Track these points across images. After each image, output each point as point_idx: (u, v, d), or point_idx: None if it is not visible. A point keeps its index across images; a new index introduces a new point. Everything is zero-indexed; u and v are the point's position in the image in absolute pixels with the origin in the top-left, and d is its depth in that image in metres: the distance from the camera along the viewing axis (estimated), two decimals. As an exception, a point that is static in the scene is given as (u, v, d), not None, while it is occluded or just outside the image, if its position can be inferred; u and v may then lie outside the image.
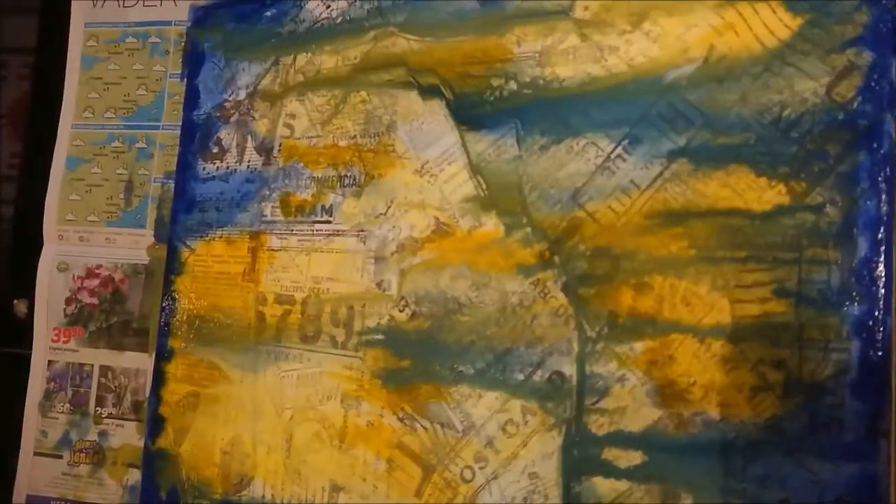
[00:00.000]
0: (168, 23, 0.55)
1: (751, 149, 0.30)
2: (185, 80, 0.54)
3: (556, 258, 0.35)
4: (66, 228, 0.55)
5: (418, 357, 0.39)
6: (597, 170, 0.34)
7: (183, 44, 0.54)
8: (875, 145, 0.28)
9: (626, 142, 0.33)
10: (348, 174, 0.43)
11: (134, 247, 0.54)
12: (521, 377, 0.35)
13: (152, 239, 0.54)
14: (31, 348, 0.54)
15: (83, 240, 0.54)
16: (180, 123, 0.54)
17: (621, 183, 0.33)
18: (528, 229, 0.36)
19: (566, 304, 0.34)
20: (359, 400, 0.41)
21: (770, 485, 0.28)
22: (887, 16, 0.28)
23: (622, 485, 0.32)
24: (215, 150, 0.51)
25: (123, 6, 0.55)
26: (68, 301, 0.54)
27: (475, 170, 0.38)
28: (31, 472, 0.53)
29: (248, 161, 0.49)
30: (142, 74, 0.55)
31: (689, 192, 0.31)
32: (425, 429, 0.39)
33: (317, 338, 0.43)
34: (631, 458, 0.32)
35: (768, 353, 0.29)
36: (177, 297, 0.51)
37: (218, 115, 0.51)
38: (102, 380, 0.53)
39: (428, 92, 0.41)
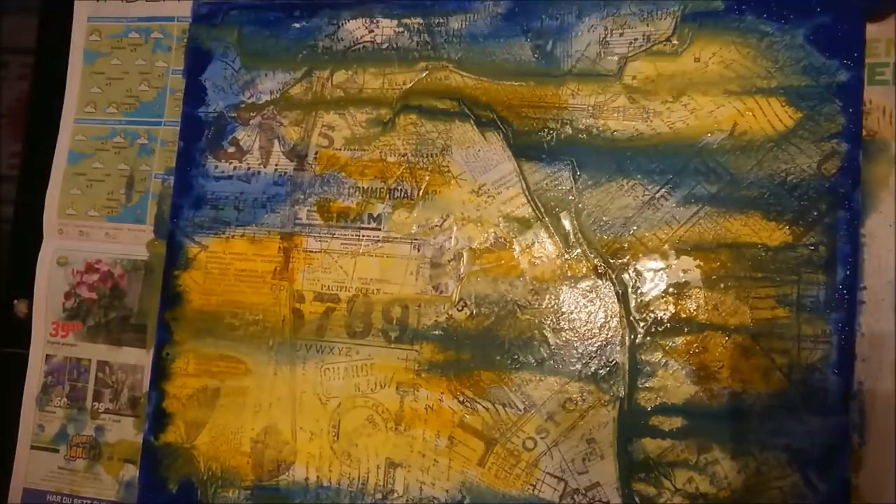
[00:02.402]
0: (171, 18, 0.56)
1: (764, 201, 0.43)
2: (187, 75, 0.54)
3: (609, 272, 0.45)
4: (66, 223, 0.53)
5: (478, 349, 0.47)
6: (644, 205, 0.45)
7: (186, 40, 0.55)
8: (849, 205, 0.42)
9: (668, 186, 0.44)
10: (399, 188, 0.49)
11: (134, 242, 0.54)
12: (578, 366, 0.45)
13: (152, 235, 0.54)
14: (29, 347, 0.52)
15: (83, 234, 0.53)
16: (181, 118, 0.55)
17: (664, 217, 0.44)
18: (584, 247, 0.45)
19: (619, 307, 0.45)
20: (416, 387, 0.48)
21: (778, 435, 0.42)
22: (858, 120, 0.42)
23: (666, 443, 0.43)
24: (231, 149, 0.53)
25: (126, 1, 0.54)
26: (67, 295, 0.52)
27: (533, 195, 0.47)
28: (28, 466, 0.51)
29: (277, 164, 0.52)
30: (144, 70, 0.55)
31: (718, 228, 0.44)
32: (486, 409, 0.46)
33: (367, 333, 0.49)
34: (673, 423, 0.43)
35: (776, 344, 0.42)
36: (183, 292, 0.52)
37: (233, 115, 0.53)
38: (100, 375, 0.52)
39: (484, 124, 0.48)
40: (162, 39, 0.55)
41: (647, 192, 0.46)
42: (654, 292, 0.45)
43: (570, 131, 0.47)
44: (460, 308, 0.48)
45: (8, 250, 0.53)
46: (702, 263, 0.45)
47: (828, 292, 0.43)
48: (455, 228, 0.49)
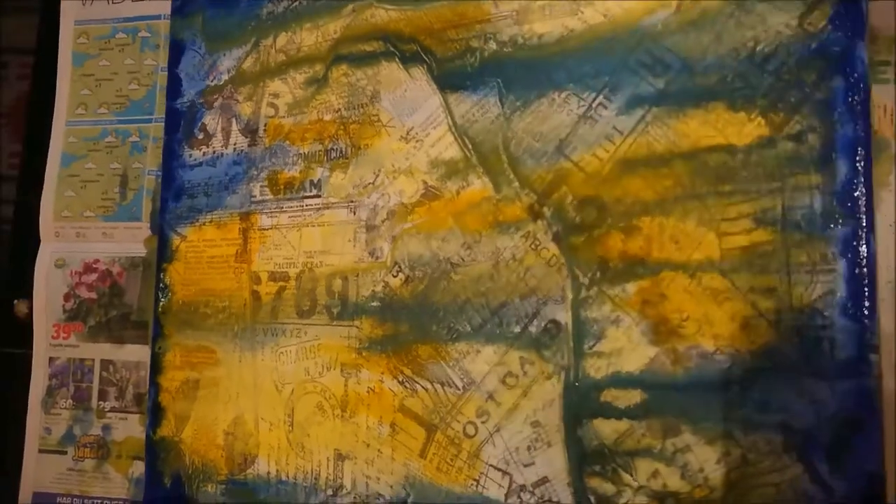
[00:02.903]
0: (157, 17, 0.56)
1: (728, 86, 0.31)
2: (168, 69, 0.54)
3: (545, 210, 0.36)
4: (62, 225, 0.55)
5: (415, 320, 0.40)
6: (579, 120, 0.35)
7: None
8: (848, 70, 0.28)
9: (606, 90, 0.34)
10: (335, 147, 0.44)
11: (130, 240, 0.54)
12: (517, 329, 0.36)
13: (148, 231, 0.54)
14: (32, 348, 0.54)
15: (80, 235, 0.55)
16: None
17: (605, 131, 0.34)
18: (516, 184, 0.37)
19: (557, 253, 0.35)
20: (358, 368, 0.42)
21: (768, 409, 0.29)
22: None
23: (623, 424, 0.33)
24: (201, 136, 0.51)
25: (112, 2, 0.55)
26: (67, 297, 0.54)
27: (460, 132, 0.39)
28: (37, 470, 0.53)
29: (235, 144, 0.49)
30: (133, 69, 0.55)
31: (672, 134, 0.32)
32: (426, 389, 0.39)
33: (313, 311, 0.44)
34: (630, 398, 0.32)
35: (758, 281, 0.30)
36: (170, 284, 0.51)
37: (201, 101, 0.51)
38: (104, 374, 0.53)
39: (409, 59, 0.41)
40: (149, 38, 0.56)
41: (582, 103, 0.36)
42: (598, 229, 0.35)
43: (495, 46, 0.39)
44: (395, 273, 0.41)
45: (7, 251, 0.56)
46: (652, 183, 0.33)
47: (826, 198, 0.29)
48: (386, 183, 0.42)
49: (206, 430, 0.49)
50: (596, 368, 0.34)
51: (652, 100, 0.34)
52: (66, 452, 0.53)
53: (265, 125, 0.48)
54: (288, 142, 0.47)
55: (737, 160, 0.31)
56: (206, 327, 0.49)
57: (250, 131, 0.49)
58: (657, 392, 0.32)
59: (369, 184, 0.43)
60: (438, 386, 0.39)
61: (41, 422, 0.54)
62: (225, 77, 0.51)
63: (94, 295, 0.54)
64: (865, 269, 0.28)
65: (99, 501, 0.53)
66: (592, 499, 0.34)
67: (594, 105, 0.35)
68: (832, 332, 0.29)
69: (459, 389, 0.38)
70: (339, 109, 0.45)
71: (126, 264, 0.54)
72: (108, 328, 0.54)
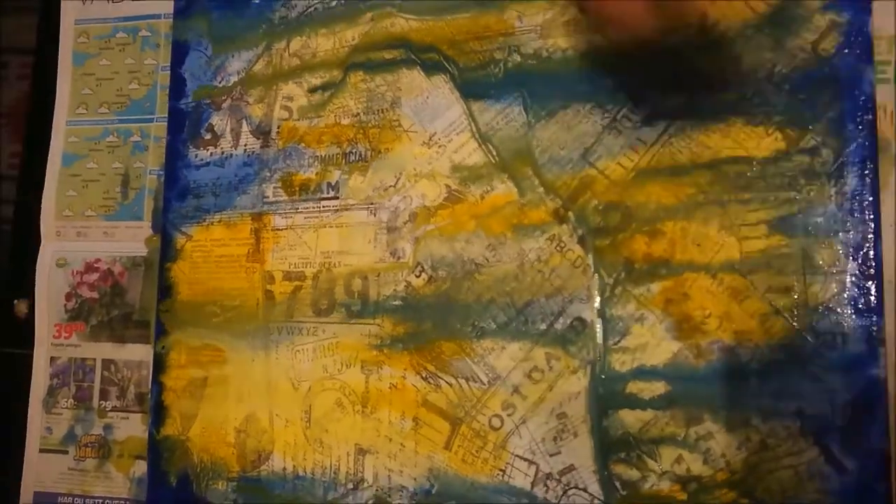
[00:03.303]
0: (157, 16, 0.56)
1: (747, 103, 0.34)
2: (171, 69, 0.54)
3: (570, 214, 0.38)
4: (63, 224, 0.55)
5: (438, 318, 0.42)
6: (604, 130, 0.37)
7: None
8: (857, 93, 0.32)
9: (630, 103, 0.36)
10: (353, 151, 0.45)
11: (132, 239, 0.55)
12: (543, 326, 0.38)
13: (150, 231, 0.54)
14: (32, 348, 0.54)
15: (81, 235, 0.54)
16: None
17: (629, 141, 0.36)
18: (541, 190, 0.39)
19: (583, 255, 0.37)
20: (380, 365, 0.43)
21: (785, 398, 0.32)
22: None
23: (647, 414, 0.35)
24: (208, 136, 0.51)
25: (112, 2, 0.55)
26: (68, 296, 0.54)
27: (484, 138, 0.41)
28: (38, 469, 0.52)
29: (245, 145, 0.50)
30: (133, 69, 0.55)
31: (694, 145, 0.35)
32: (450, 385, 0.41)
33: (331, 310, 0.45)
34: (654, 390, 0.35)
35: (775, 281, 0.33)
36: (174, 283, 0.51)
37: (208, 102, 0.52)
38: (105, 373, 0.53)
39: (431, 68, 0.43)
40: (150, 37, 0.56)
41: (606, 115, 0.38)
42: (622, 232, 0.37)
43: (519, 59, 0.41)
44: (417, 273, 0.43)
45: (8, 251, 0.55)
46: (675, 190, 0.36)
47: (838, 206, 0.33)
48: (408, 186, 0.44)
49: (215, 429, 0.49)
50: (621, 363, 0.37)
51: (674, 113, 0.36)
52: (67, 452, 0.53)
53: (278, 127, 0.49)
54: (303, 144, 0.48)
55: (755, 171, 0.34)
56: (214, 326, 0.50)
57: (262, 133, 0.50)
58: (680, 384, 0.35)
59: (390, 186, 0.45)
60: (463, 381, 0.41)
61: (42, 421, 0.53)
62: (234, 79, 0.52)
63: (95, 294, 0.54)
64: (873, 271, 0.32)
65: (100, 501, 0.52)
66: (618, 484, 0.36)
67: (618, 117, 0.38)
68: (844, 328, 0.32)
69: (485, 384, 0.40)
70: (358, 114, 0.46)
71: (127, 264, 0.54)
72: (109, 327, 0.54)
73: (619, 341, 0.37)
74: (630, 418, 0.36)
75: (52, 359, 0.54)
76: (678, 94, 0.36)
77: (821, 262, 0.33)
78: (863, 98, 0.32)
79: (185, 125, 0.53)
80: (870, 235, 0.32)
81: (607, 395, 0.37)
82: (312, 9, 0.49)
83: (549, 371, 0.38)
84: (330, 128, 0.47)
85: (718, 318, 0.34)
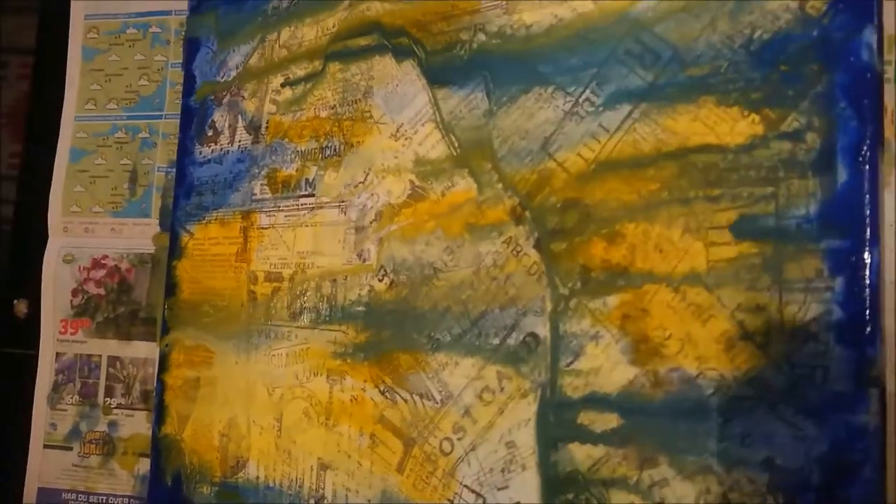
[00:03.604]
0: (168, 12, 0.56)
1: (721, 77, 0.28)
2: (183, 67, 0.54)
3: (528, 213, 0.33)
4: (70, 220, 0.56)
5: (397, 327, 0.38)
6: (566, 116, 0.32)
7: (184, 33, 0.54)
8: (853, 59, 0.25)
9: (594, 84, 0.31)
10: (329, 145, 0.42)
11: (139, 236, 0.55)
12: (496, 341, 0.34)
13: (157, 228, 0.54)
14: (31, 348, 0.55)
15: (88, 231, 0.55)
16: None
17: (590, 128, 0.31)
18: (500, 185, 0.34)
19: (538, 260, 0.32)
20: (343, 375, 0.40)
21: (752, 443, 0.26)
22: None
23: (599, 450, 0.30)
24: (210, 133, 0.51)
25: (123, -2, 0.56)
26: (75, 293, 0.55)
27: (447, 128, 0.37)
28: (42, 465, 0.54)
29: (240, 141, 0.48)
30: (143, 65, 0.56)
31: (660, 131, 0.29)
32: (405, 401, 0.37)
33: (302, 314, 0.42)
34: (606, 422, 0.30)
35: (746, 298, 0.26)
36: (178, 281, 0.51)
37: (212, 98, 0.51)
38: (111, 370, 0.53)
39: (401, 53, 0.39)
40: (160, 34, 0.56)
41: (569, 98, 0.33)
42: (579, 235, 0.32)
43: (484, 38, 0.36)
44: (380, 277, 0.40)
45: (8, 250, 0.57)
46: (638, 186, 0.30)
47: (824, 206, 0.26)
48: (376, 182, 0.41)
49: (204, 431, 0.48)
50: (573, 387, 0.31)
51: (640, 94, 0.30)
52: (71, 448, 0.54)
53: (267, 122, 0.47)
54: (287, 139, 0.46)
55: (727, 161, 0.28)
56: (205, 326, 0.49)
57: (254, 128, 0.48)
58: (635, 417, 0.29)
59: (360, 183, 0.41)
60: (417, 398, 0.37)
61: (47, 417, 0.55)
62: (233, 73, 0.50)
63: (102, 291, 0.55)
64: (867, 290, 0.25)
65: (104, 498, 0.53)
66: (565, 530, 0.31)
67: (581, 100, 0.32)
68: (826, 360, 0.25)
69: (437, 403, 0.36)
70: (335, 106, 0.43)
71: (135, 260, 0.55)
72: (115, 324, 0.54)
73: (571, 362, 0.31)
74: (580, 454, 0.31)
75: (58, 355, 0.55)
76: (646, 71, 0.30)
77: (801, 276, 0.26)
78: (860, 66, 0.25)
79: (192, 122, 0.53)
80: (864, 244, 0.25)
81: (557, 423, 0.32)
82: (300, -2, 0.46)
83: (500, 392, 0.34)
84: (310, 121, 0.45)
85: (680, 340, 0.28)
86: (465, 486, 0.35)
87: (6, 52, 0.60)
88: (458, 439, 0.35)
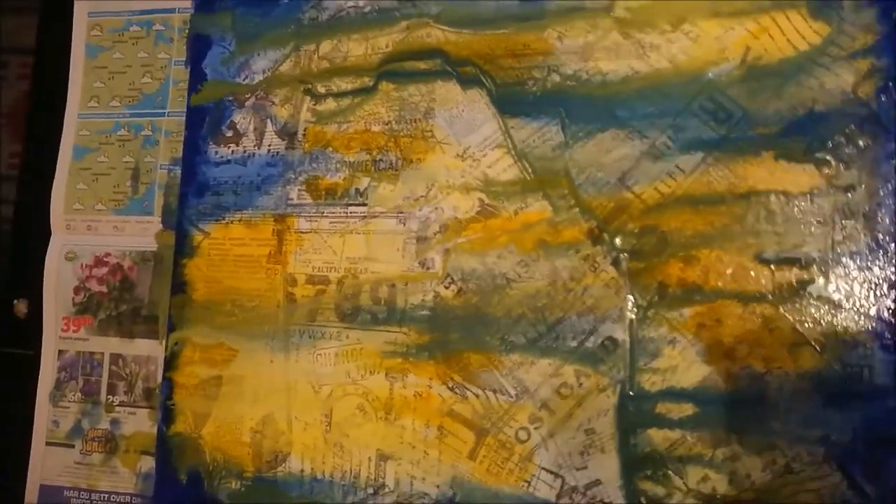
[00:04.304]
0: (172, 10, 0.56)
1: (786, 138, 0.35)
2: (190, 64, 0.54)
3: (605, 235, 0.39)
4: (73, 218, 0.54)
5: (466, 330, 0.42)
6: (642, 155, 0.38)
7: (187, 31, 0.54)
8: (893, 135, 0.33)
9: (669, 131, 0.38)
10: (383, 159, 0.45)
11: (142, 234, 0.54)
12: (573, 344, 0.39)
13: (160, 226, 0.54)
14: (31, 348, 0.54)
15: (90, 228, 0.54)
16: (185, 108, 0.54)
17: (667, 167, 0.38)
18: (577, 210, 0.40)
19: (616, 276, 0.38)
20: (405, 372, 0.44)
21: (812, 425, 0.34)
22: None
23: (675, 434, 0.36)
24: (229, 133, 0.51)
25: (126, -4, 0.55)
26: (77, 290, 0.53)
27: (520, 155, 0.42)
28: (44, 463, 0.52)
29: (269, 145, 0.50)
30: (146, 62, 0.55)
31: (731, 176, 0.36)
32: (476, 396, 0.42)
33: (356, 316, 0.45)
34: (683, 410, 0.36)
35: (808, 313, 0.34)
36: (189, 280, 0.51)
37: (231, 99, 0.52)
38: (113, 368, 0.53)
39: (467, 81, 0.43)
40: (164, 31, 0.55)
41: (645, 140, 0.39)
42: (657, 257, 0.38)
43: (558, 79, 0.42)
44: (447, 285, 0.44)
45: (8, 250, 0.55)
46: (712, 219, 0.37)
47: (869, 245, 0.34)
48: (440, 197, 0.45)
49: (230, 428, 0.49)
50: (651, 383, 0.38)
51: (713, 144, 0.38)
52: (73, 446, 0.53)
53: (304, 130, 0.49)
54: (331, 149, 0.48)
55: (791, 205, 0.36)
56: (231, 325, 0.50)
57: (288, 134, 0.50)
58: (709, 406, 0.36)
59: (420, 196, 0.45)
60: (490, 393, 0.42)
61: (49, 414, 0.53)
62: (259, 77, 0.51)
63: (104, 289, 0.54)
64: (902, 308, 0.33)
65: (106, 495, 0.52)
66: (643, 500, 0.38)
67: (657, 143, 0.39)
68: (871, 362, 0.34)
69: (512, 397, 0.41)
70: (389, 122, 0.47)
71: (137, 258, 0.54)
72: (118, 322, 0.54)
73: (649, 362, 0.38)
74: (658, 437, 0.37)
75: (60, 352, 0.53)
76: (719, 125, 0.37)
77: (851, 298, 0.34)
78: (894, 143, 0.34)
79: (204, 121, 0.53)
80: (899, 273, 0.33)
81: (636, 413, 0.38)
82: (344, 13, 0.49)
83: (579, 388, 0.40)
84: (360, 134, 0.47)
85: (749, 344, 0.36)
86: (543, 468, 0.40)
87: (6, 52, 0.57)
88: (535, 428, 0.41)
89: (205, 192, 0.52)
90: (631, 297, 0.39)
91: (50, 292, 0.53)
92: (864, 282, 0.34)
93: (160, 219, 0.54)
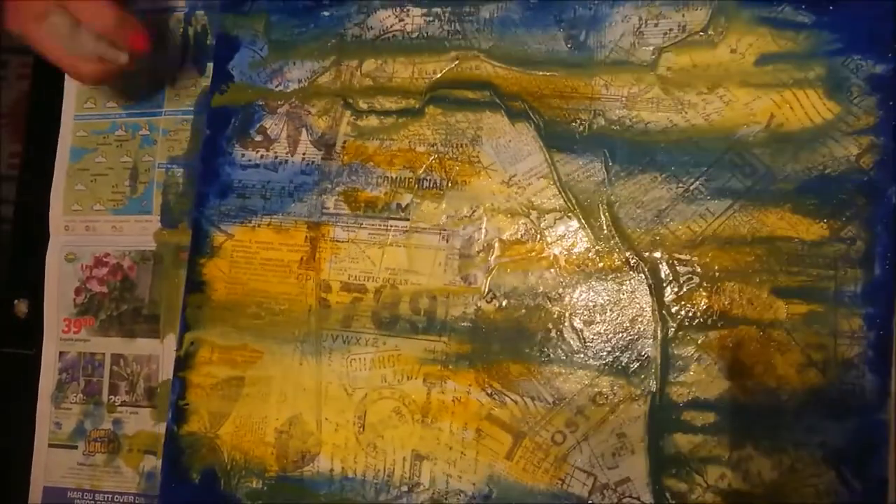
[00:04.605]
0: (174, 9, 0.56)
1: (801, 194, 0.43)
2: (214, 62, 0.54)
3: (642, 265, 0.44)
4: (72, 219, 0.54)
5: (507, 341, 0.47)
6: (677, 198, 0.45)
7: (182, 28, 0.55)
8: (885, 202, 0.41)
9: (702, 178, 0.44)
10: (428, 178, 0.49)
11: (141, 233, 0.55)
12: (609, 359, 0.45)
13: (159, 224, 0.54)
14: (31, 348, 0.53)
15: (89, 229, 0.54)
16: (193, 106, 0.55)
17: (699, 210, 0.44)
18: (616, 240, 0.45)
19: (651, 301, 0.44)
20: (443, 379, 0.47)
21: (812, 432, 0.41)
22: (892, 115, 0.42)
23: (698, 438, 0.43)
24: (258, 138, 0.53)
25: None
26: (77, 291, 0.53)
27: (564, 187, 0.46)
28: (47, 464, 0.51)
29: (304, 154, 0.52)
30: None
31: (754, 222, 0.43)
32: (514, 402, 0.46)
33: (394, 324, 0.48)
34: (705, 418, 0.43)
35: (813, 340, 0.42)
36: (208, 280, 0.52)
37: (261, 104, 0.53)
38: (115, 368, 0.53)
39: (515, 115, 0.48)
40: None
41: (680, 185, 0.45)
42: (688, 286, 0.45)
43: (603, 122, 0.47)
44: (489, 300, 0.48)
45: (8, 250, 0.53)
46: (737, 257, 0.44)
47: (864, 288, 0.42)
48: (485, 219, 0.49)
49: (252, 427, 0.51)
50: (678, 394, 0.44)
51: (740, 193, 0.44)
52: (76, 447, 0.52)
53: (344, 143, 0.51)
54: (372, 163, 0.51)
55: (804, 250, 0.43)
56: (257, 327, 0.51)
57: (325, 145, 0.52)
58: (728, 415, 0.43)
59: (465, 217, 0.49)
60: (528, 399, 0.47)
61: (51, 416, 0.52)
62: (294, 86, 0.53)
63: (105, 289, 0.53)
64: (888, 340, 0.42)
65: (110, 496, 0.52)
66: (668, 495, 0.44)
67: (691, 188, 0.45)
68: (862, 381, 0.42)
69: (550, 404, 0.46)
70: (435, 144, 0.50)
71: (137, 258, 0.54)
72: (119, 322, 0.53)
73: (678, 376, 0.44)
74: (683, 440, 0.44)
75: (61, 354, 0.52)
76: (745, 178, 0.44)
77: (849, 329, 0.42)
78: (889, 208, 0.42)
79: (230, 122, 0.54)
80: (887, 314, 0.42)
81: (664, 420, 0.44)
82: (391, 35, 0.52)
83: (613, 396, 0.45)
84: (403, 152, 0.50)
85: (764, 364, 0.43)
86: (577, 467, 0.45)
87: (6, 52, 0.56)
88: (571, 432, 0.46)
89: (228, 194, 0.53)
90: (662, 321, 0.45)
91: (51, 294, 0.52)
92: (858, 317, 0.42)
93: (159, 217, 0.54)
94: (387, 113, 0.51)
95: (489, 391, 0.47)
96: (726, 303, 0.44)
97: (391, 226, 0.50)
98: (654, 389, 0.45)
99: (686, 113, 0.46)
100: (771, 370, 0.43)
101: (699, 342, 0.44)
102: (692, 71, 0.46)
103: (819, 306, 0.43)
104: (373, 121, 0.51)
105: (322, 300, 0.51)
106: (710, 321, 0.44)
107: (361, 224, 0.51)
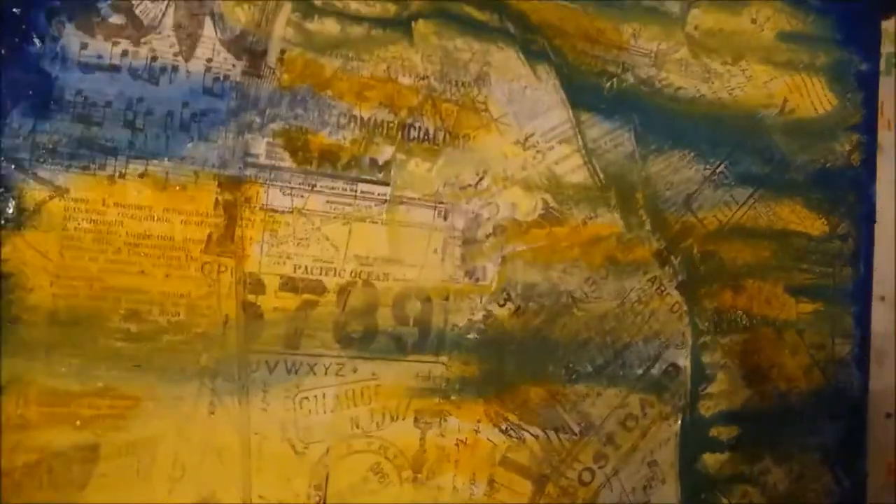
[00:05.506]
0: None
1: (808, 187, 0.41)
2: None
3: (672, 258, 0.38)
4: None
5: (526, 358, 0.35)
6: (705, 181, 0.39)
7: None
8: (867, 199, 0.42)
9: (727, 161, 0.39)
10: (416, 125, 0.34)
11: None
12: (639, 371, 0.37)
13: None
14: None
15: None
16: None
17: (724, 197, 0.39)
18: (648, 228, 0.37)
19: (681, 301, 0.38)
20: (443, 416, 0.34)
21: (813, 434, 0.40)
22: (874, 114, 0.42)
23: (724, 456, 0.38)
24: (120, 21, 0.31)
25: None
26: None
27: (590, 156, 0.37)
28: None
29: (211, 61, 0.32)
30: None
31: (771, 214, 0.40)
32: (535, 437, 0.35)
33: (369, 340, 0.33)
34: (731, 432, 0.38)
35: (816, 340, 0.40)
36: (12, 271, 0.30)
37: (116, -40, 0.31)
38: None
39: (534, 54, 0.36)
40: None
41: (707, 167, 0.39)
42: (715, 283, 0.39)
43: (632, 80, 0.38)
44: (502, 302, 0.35)
45: None
46: (757, 252, 0.40)
47: (854, 286, 0.42)
48: (494, 191, 0.35)
49: (119, 531, 0.29)
50: (707, 408, 0.38)
51: (760, 180, 0.40)
52: None
53: (282, 53, 0.32)
54: (330, 92, 0.33)
55: (810, 246, 0.41)
56: (126, 355, 0.30)
57: (248, 52, 0.32)
58: (749, 425, 0.39)
59: (469, 186, 0.35)
60: (551, 433, 0.35)
61: None
62: (184, -60, 0.31)
63: None
64: (868, 339, 0.42)
65: None
66: (696, 523, 0.38)
67: (717, 171, 0.39)
68: (851, 380, 0.41)
69: (576, 435, 0.36)
70: (426, 77, 0.34)
71: None
72: None
73: (706, 388, 0.38)
74: (711, 461, 0.38)
75: None
76: (764, 165, 0.40)
77: (841, 328, 0.41)
78: (870, 205, 0.43)
79: (50, -19, 0.30)
80: (868, 313, 0.42)
81: (694, 439, 0.38)
82: None
83: (644, 418, 0.37)
84: (380, 81, 0.34)
85: (778, 367, 0.40)
86: (607, 508, 0.36)
87: None
88: (600, 468, 0.36)
89: (54, 113, 0.29)
90: (691, 323, 0.38)
91: None
92: (848, 315, 0.42)
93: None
94: (354, 18, 0.33)
95: (503, 426, 0.35)
96: (748, 301, 0.39)
97: (362, 192, 0.33)
98: (685, 404, 0.38)
99: (712, 83, 0.39)
100: (783, 373, 0.40)
101: (724, 347, 0.39)
102: (718, 35, 0.39)
103: (822, 305, 0.41)
104: (331, 26, 0.33)
105: (248, 305, 0.31)
106: (734, 323, 0.39)
107: (314, 186, 0.32)
